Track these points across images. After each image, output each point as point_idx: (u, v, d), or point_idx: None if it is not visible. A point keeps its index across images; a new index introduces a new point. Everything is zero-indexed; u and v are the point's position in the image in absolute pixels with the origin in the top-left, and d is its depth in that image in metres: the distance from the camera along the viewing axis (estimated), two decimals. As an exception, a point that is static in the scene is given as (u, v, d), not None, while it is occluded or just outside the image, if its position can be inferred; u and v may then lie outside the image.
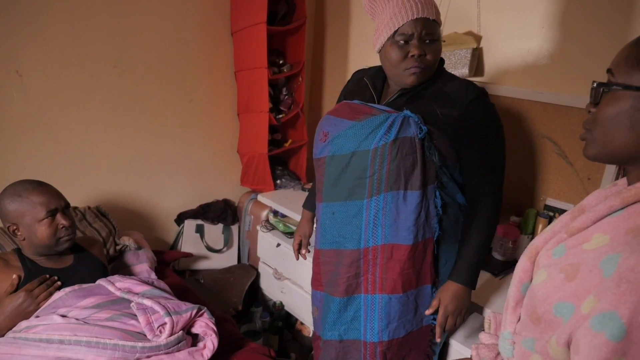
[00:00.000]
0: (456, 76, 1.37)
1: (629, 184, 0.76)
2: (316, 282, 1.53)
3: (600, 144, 0.75)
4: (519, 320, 0.89)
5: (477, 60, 2.01)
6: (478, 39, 2.00)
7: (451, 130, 1.28)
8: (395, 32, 1.25)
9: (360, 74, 1.54)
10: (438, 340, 1.37)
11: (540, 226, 1.82)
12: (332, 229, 1.43)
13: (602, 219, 0.74)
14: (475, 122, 1.28)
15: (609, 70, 0.74)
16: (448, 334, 1.53)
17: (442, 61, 1.39)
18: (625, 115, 0.70)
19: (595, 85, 0.74)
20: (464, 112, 1.27)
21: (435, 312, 1.39)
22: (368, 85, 1.44)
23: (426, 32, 1.24)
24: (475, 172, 1.33)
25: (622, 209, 0.72)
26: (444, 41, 2.02)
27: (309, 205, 1.74)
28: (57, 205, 1.56)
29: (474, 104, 1.27)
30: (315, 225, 1.57)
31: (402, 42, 1.26)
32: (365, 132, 1.30)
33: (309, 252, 1.72)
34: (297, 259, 1.78)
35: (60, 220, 1.55)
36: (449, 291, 1.34)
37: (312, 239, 1.67)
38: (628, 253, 0.63)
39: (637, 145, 0.71)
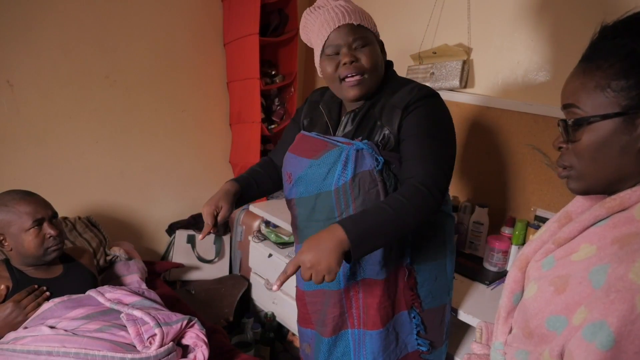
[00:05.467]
0: (407, 81, 1.30)
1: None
2: (305, 320, 1.48)
3: (591, 176, 0.74)
4: (510, 330, 0.89)
5: (467, 72, 2.03)
6: (468, 51, 2.02)
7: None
8: (324, 45, 1.23)
9: (317, 95, 1.48)
10: (273, 288, 1.06)
11: (530, 237, 1.83)
12: None
13: (587, 228, 0.75)
14: (412, 120, 1.20)
15: (570, 105, 0.74)
16: (448, 350, 1.52)
17: (389, 66, 1.34)
18: (612, 141, 0.70)
19: (571, 122, 0.73)
20: (406, 114, 1.21)
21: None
22: (324, 114, 1.39)
23: (353, 37, 1.21)
24: (406, 166, 1.19)
25: (607, 217, 0.73)
26: (435, 53, 2.04)
27: (239, 179, 1.45)
28: (44, 214, 1.54)
29: (414, 104, 1.21)
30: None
31: (332, 53, 1.23)
32: (323, 170, 1.26)
33: (217, 232, 1.36)
34: (202, 237, 1.33)
35: (48, 229, 1.54)
36: (318, 234, 1.07)
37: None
38: (616, 263, 0.64)
39: (629, 166, 0.71)
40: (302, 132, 1.42)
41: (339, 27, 1.20)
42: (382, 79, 1.29)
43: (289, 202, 1.42)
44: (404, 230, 1.12)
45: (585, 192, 0.77)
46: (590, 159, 0.73)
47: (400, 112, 1.21)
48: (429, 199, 1.12)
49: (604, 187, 0.75)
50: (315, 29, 1.25)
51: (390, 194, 1.16)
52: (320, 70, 1.30)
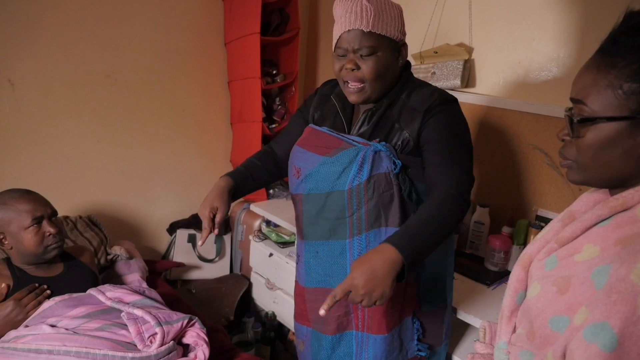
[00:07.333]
0: (424, 84, 1.30)
1: (612, 194, 0.77)
2: (302, 317, 1.46)
3: (590, 172, 0.74)
4: (514, 330, 0.89)
5: (468, 72, 2.03)
6: (470, 50, 2.02)
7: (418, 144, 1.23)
8: (335, 45, 1.23)
9: (329, 88, 1.45)
10: (321, 312, 1.00)
11: (532, 237, 1.83)
12: (317, 268, 1.37)
13: (590, 228, 0.74)
14: (435, 125, 1.20)
15: (578, 101, 0.72)
16: (448, 349, 1.51)
17: (406, 68, 1.32)
18: (615, 143, 0.69)
19: (577, 120, 0.72)
20: (427, 118, 1.20)
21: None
22: (337, 107, 1.36)
23: (360, 45, 1.18)
24: (433, 170, 1.19)
25: (609, 217, 0.72)
26: (436, 52, 2.04)
27: (233, 173, 1.45)
28: (43, 212, 1.54)
29: (436, 108, 1.20)
30: (297, 262, 1.47)
31: (340, 55, 1.23)
32: (337, 169, 1.24)
33: (218, 233, 1.39)
34: (203, 242, 1.37)
35: (47, 227, 1.54)
36: (369, 256, 1.03)
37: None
38: (618, 264, 0.63)
39: (629, 168, 0.70)
40: (312, 125, 1.40)
41: (348, 30, 1.18)
42: (395, 82, 1.28)
43: (294, 197, 1.39)
44: (445, 238, 1.13)
45: (584, 184, 0.77)
46: (591, 156, 0.72)
47: (421, 115, 1.21)
48: (462, 203, 1.14)
49: (602, 183, 0.75)
50: (336, 21, 1.24)
51: (425, 203, 1.15)
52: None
